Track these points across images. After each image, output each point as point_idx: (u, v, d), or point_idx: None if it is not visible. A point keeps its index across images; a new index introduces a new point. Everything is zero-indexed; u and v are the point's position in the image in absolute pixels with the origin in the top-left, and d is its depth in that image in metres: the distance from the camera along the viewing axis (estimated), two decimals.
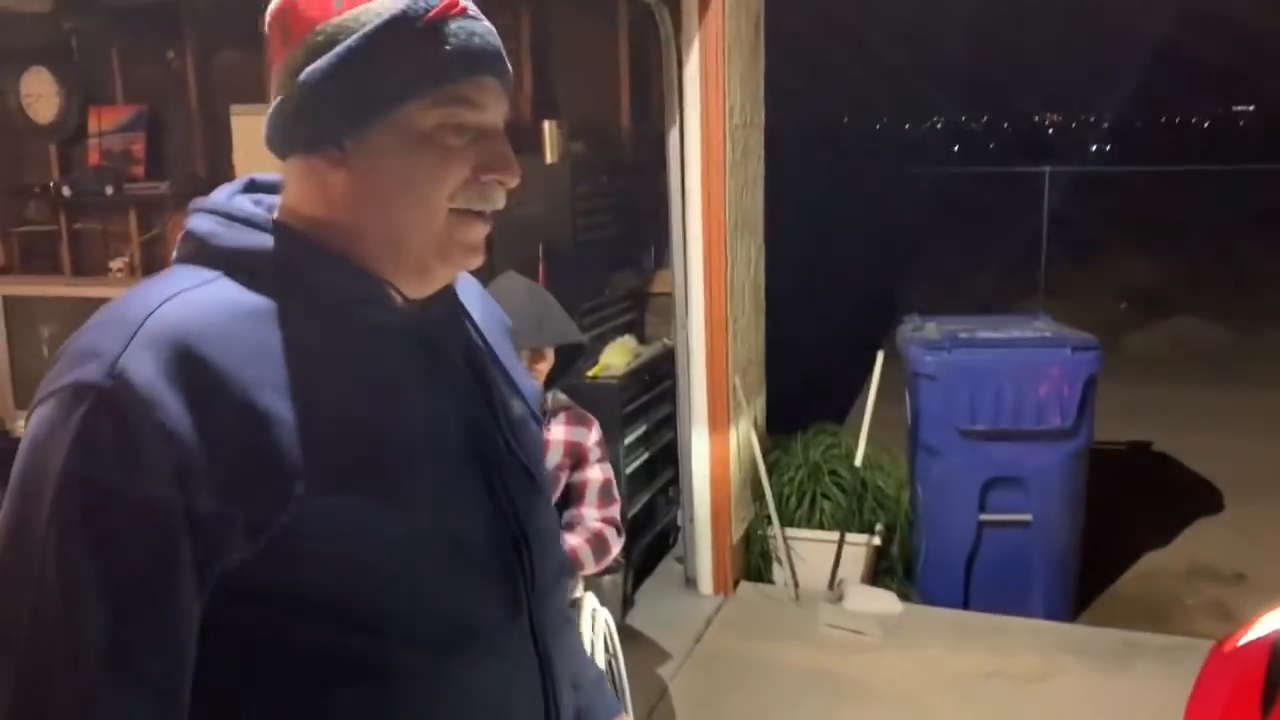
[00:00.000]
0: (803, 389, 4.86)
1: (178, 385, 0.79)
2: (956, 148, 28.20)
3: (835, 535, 4.02)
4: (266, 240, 0.89)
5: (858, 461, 4.09)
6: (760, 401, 4.44)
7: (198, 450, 0.78)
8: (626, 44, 4.36)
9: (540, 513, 1.01)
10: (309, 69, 0.85)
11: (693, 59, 3.76)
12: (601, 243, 4.21)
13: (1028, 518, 3.80)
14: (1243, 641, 2.14)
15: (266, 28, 0.90)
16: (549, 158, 3.86)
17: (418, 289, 0.94)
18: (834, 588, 3.99)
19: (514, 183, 0.92)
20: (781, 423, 4.57)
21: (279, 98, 0.88)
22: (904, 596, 3.96)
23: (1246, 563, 4.33)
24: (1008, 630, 3.70)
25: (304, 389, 0.83)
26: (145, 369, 0.78)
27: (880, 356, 4.16)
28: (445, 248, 0.91)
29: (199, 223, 0.91)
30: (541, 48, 4.39)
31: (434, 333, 0.95)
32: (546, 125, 3.87)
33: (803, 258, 5.86)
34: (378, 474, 0.86)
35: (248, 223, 0.90)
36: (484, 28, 0.90)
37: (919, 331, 4.19)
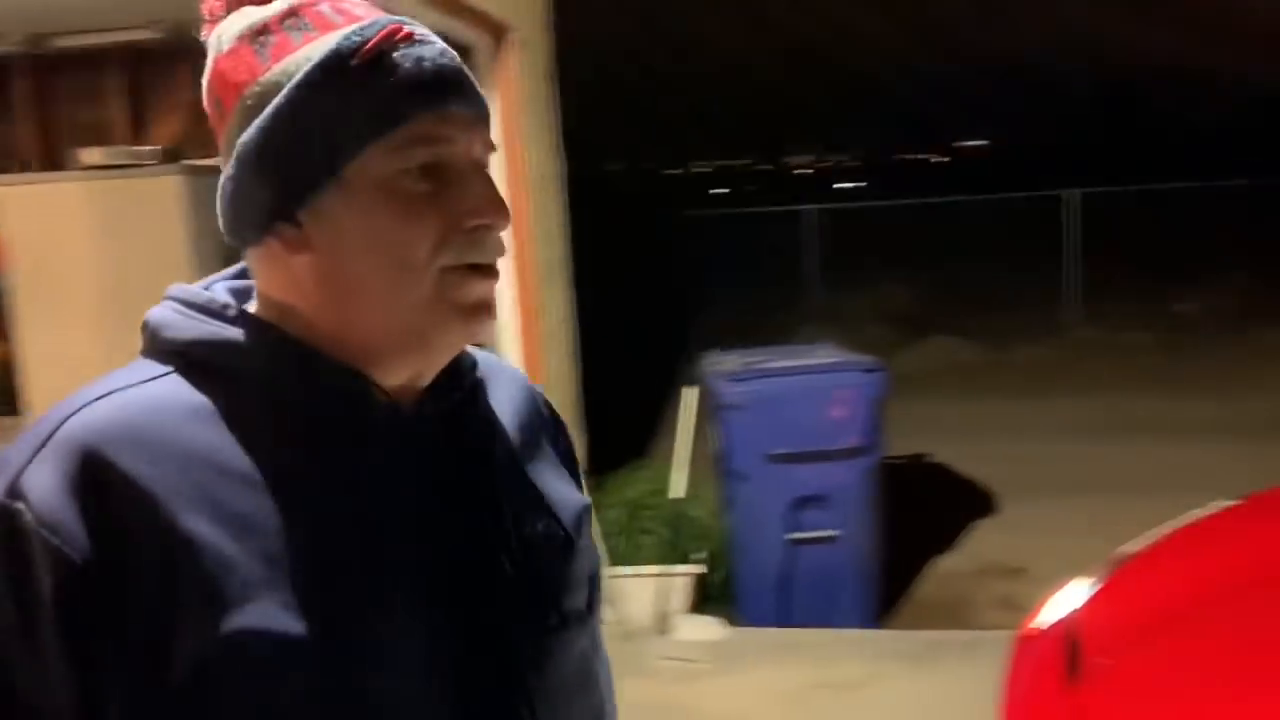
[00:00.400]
0: (617, 429, 4.98)
1: (81, 502, 0.68)
2: (726, 190, 29.65)
3: (658, 569, 4.13)
4: (223, 331, 0.77)
5: (676, 494, 4.23)
6: (578, 444, 4.51)
7: (97, 576, 0.68)
8: None
9: (556, 651, 0.85)
10: (241, 139, 0.74)
11: (490, 116, 3.83)
12: None
13: (834, 534, 4.05)
14: (1041, 626, 2.39)
15: (204, 104, 0.79)
16: None
17: (418, 372, 0.80)
18: (661, 620, 4.10)
19: (504, 224, 0.79)
20: (598, 463, 4.67)
21: (221, 178, 0.77)
22: (729, 621, 4.11)
23: (1024, 557, 4.73)
24: (826, 642, 3.90)
25: (240, 509, 0.71)
26: (46, 484, 0.69)
27: (688, 392, 4.34)
28: (439, 313, 0.76)
29: (156, 311, 0.80)
30: None
31: (425, 435, 0.81)
32: None
33: (603, 302, 6.01)
34: (321, 620, 0.71)
35: (206, 310, 0.78)
36: (434, 51, 0.76)
37: (720, 365, 4.40)
